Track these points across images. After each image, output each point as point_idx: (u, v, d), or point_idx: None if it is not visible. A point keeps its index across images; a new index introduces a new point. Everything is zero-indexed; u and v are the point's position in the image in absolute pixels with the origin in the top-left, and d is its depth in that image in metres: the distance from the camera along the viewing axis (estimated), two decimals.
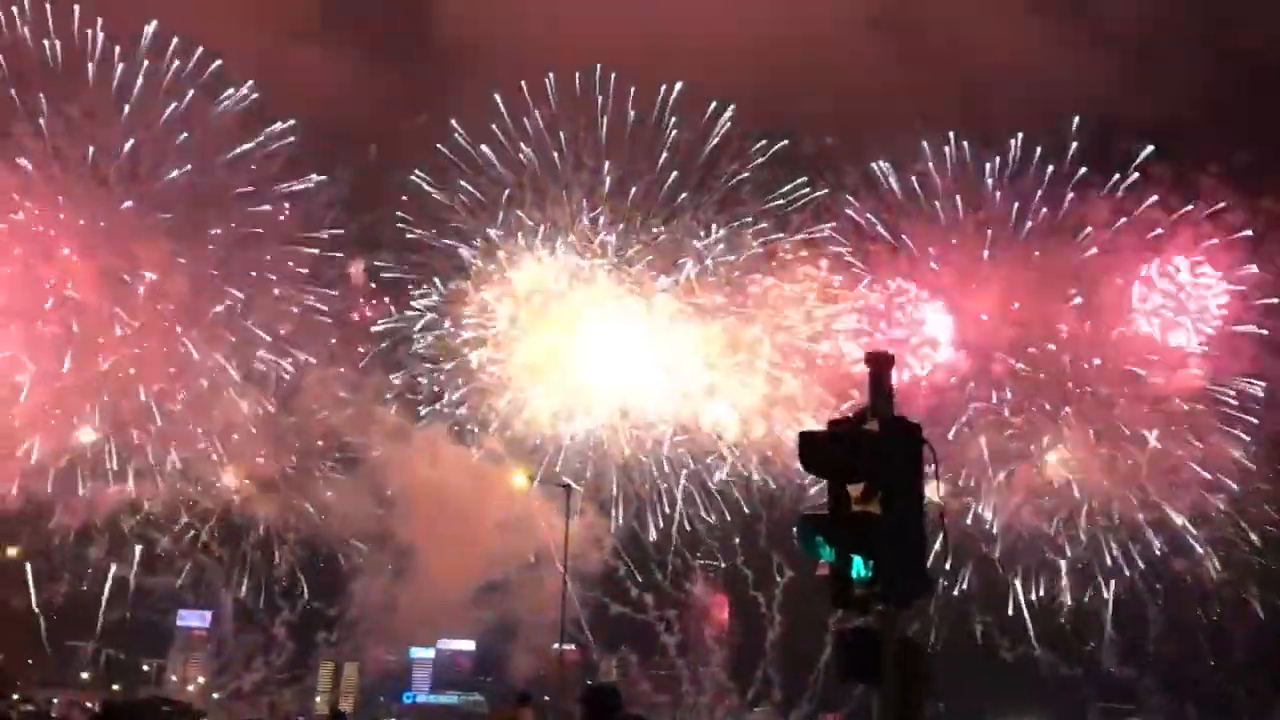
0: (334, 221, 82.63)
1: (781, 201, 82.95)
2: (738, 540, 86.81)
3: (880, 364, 16.47)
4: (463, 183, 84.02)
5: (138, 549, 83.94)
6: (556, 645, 69.37)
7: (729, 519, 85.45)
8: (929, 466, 16.09)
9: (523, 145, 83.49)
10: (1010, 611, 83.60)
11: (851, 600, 15.25)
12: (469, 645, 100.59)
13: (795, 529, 16.44)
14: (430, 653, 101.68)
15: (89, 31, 76.45)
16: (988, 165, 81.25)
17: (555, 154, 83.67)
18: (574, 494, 61.03)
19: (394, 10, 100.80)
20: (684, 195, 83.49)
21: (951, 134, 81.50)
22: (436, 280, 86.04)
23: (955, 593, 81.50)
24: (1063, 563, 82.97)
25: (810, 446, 15.98)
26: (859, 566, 15.08)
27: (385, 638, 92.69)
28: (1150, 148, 78.91)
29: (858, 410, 16.40)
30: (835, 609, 15.76)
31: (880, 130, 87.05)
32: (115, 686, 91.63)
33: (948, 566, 76.62)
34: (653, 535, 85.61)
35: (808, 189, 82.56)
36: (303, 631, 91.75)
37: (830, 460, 15.73)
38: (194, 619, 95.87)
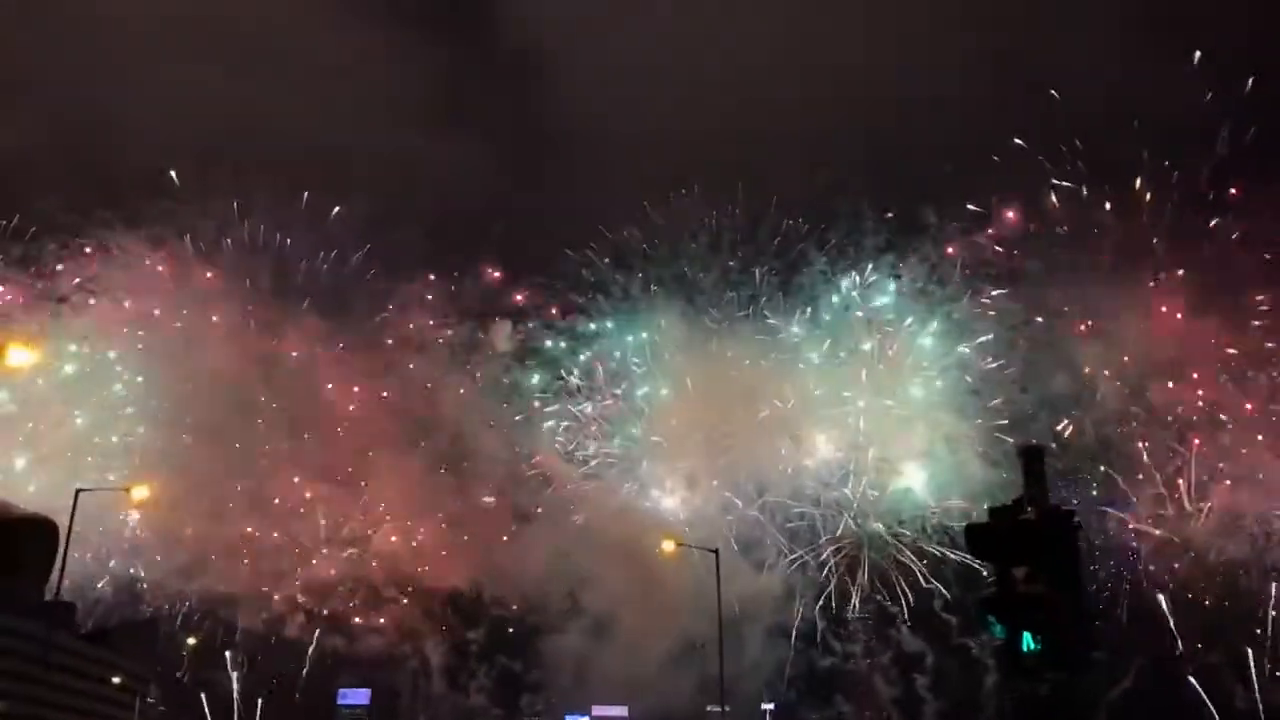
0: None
1: None
2: None
3: (1032, 456, 19.17)
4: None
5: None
6: (713, 707, 70.79)
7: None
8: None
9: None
10: None
11: (1021, 671, 17.86)
12: (622, 711, 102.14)
13: (977, 609, 18.87)
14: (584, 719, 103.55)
15: None
16: None
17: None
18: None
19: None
20: None
21: None
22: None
23: None
24: None
25: (976, 536, 18.72)
26: (1028, 640, 17.69)
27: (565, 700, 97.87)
28: None
29: (1016, 499, 19.09)
30: (1008, 679, 18.41)
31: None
32: None
33: None
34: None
35: None
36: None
37: (994, 547, 18.43)
38: (355, 697, 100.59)
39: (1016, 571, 18.19)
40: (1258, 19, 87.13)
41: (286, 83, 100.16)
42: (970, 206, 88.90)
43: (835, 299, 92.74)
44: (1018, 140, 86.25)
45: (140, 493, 62.53)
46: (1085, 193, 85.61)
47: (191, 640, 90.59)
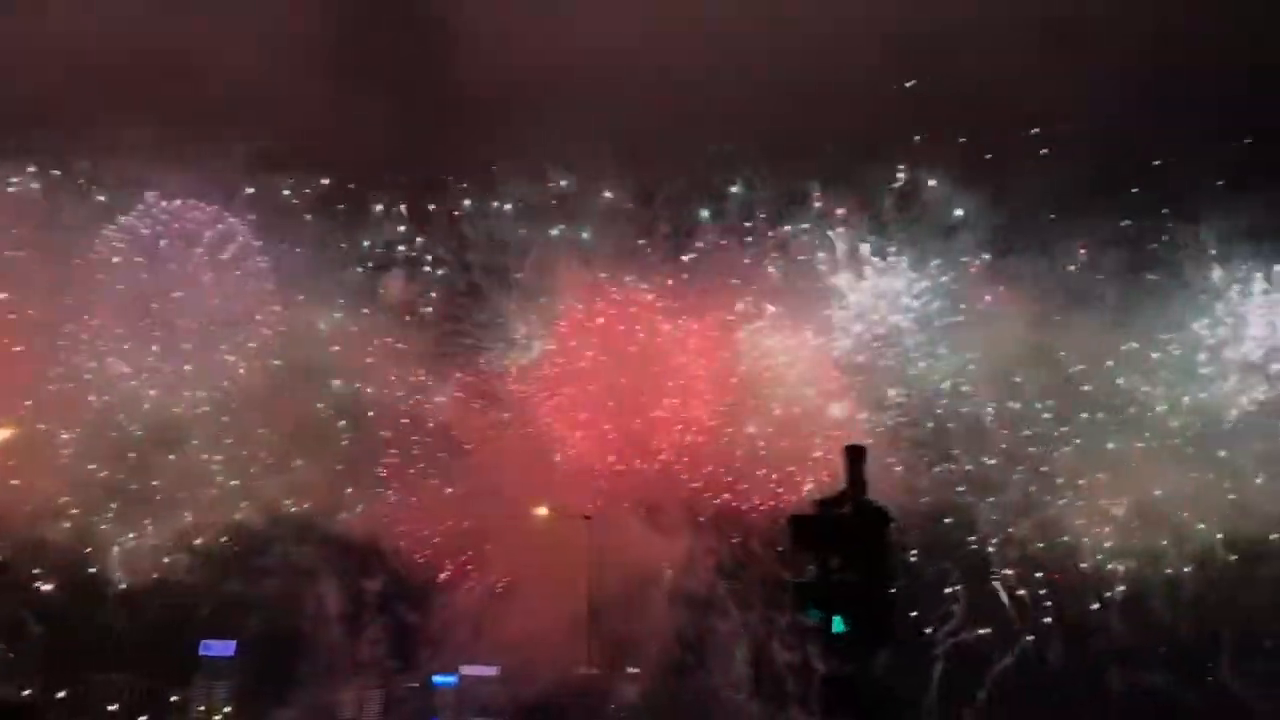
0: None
1: None
2: None
3: (855, 455, 21.18)
4: None
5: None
6: (581, 668, 73.18)
7: None
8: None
9: None
10: None
11: (832, 652, 19.97)
12: (491, 671, 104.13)
13: (789, 593, 20.95)
14: (453, 679, 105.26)
15: None
16: None
17: None
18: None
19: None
20: None
21: None
22: None
23: None
24: None
25: (798, 526, 20.73)
26: (838, 624, 19.79)
27: (410, 665, 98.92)
28: None
29: (839, 493, 21.11)
30: (821, 658, 20.53)
31: None
32: (142, 718, 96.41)
33: None
34: None
35: None
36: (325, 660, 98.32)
37: (813, 538, 20.46)
38: (218, 648, 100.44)
39: (832, 561, 20.22)
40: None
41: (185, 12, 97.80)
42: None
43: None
44: None
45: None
46: None
47: (48, 587, 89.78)
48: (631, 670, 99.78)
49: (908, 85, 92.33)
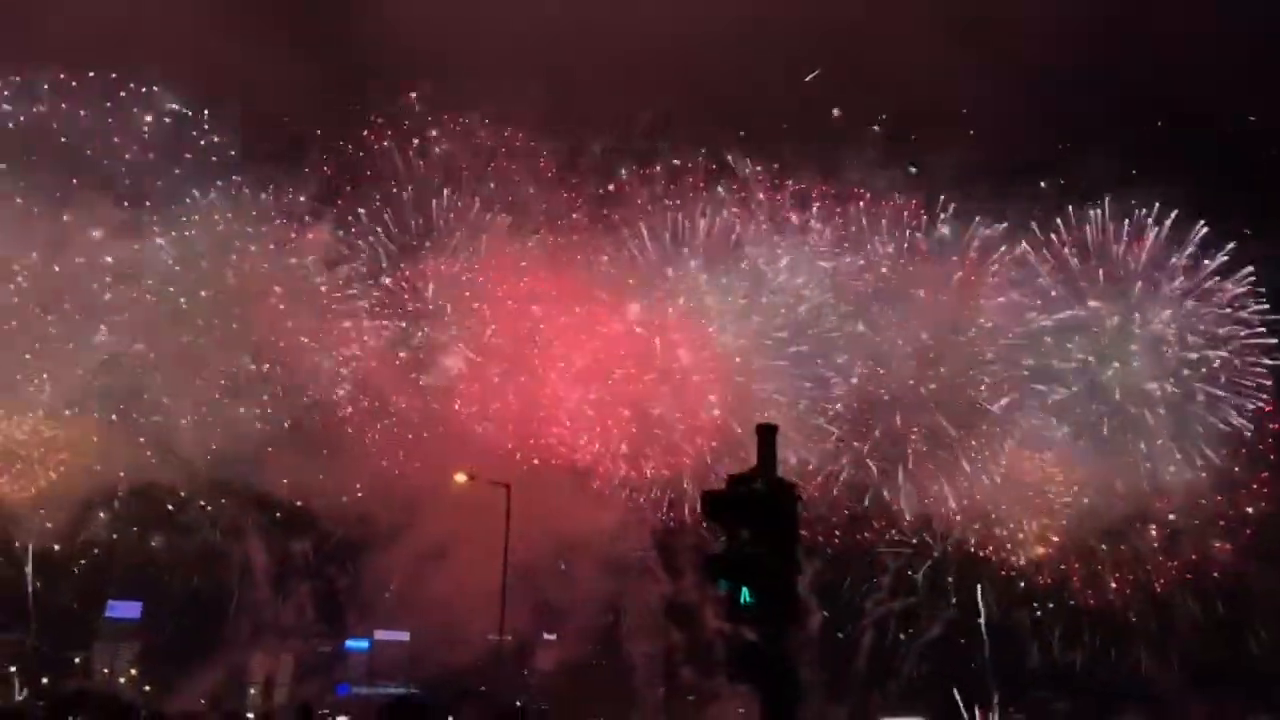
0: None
1: None
2: None
3: (766, 434, 22.14)
4: None
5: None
6: (493, 635, 73.74)
7: None
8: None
9: None
10: None
11: (740, 620, 20.96)
12: (403, 636, 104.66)
13: (702, 565, 21.91)
14: (365, 644, 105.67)
15: None
16: None
17: None
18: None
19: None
20: None
21: None
22: None
23: None
24: None
25: (711, 501, 21.65)
26: (745, 594, 20.78)
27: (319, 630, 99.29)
28: None
29: (750, 470, 22.06)
30: (728, 626, 21.53)
31: None
32: (43, 680, 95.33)
33: None
34: None
35: None
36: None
37: (725, 512, 21.39)
38: (124, 610, 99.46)
39: (742, 534, 21.20)
40: None
41: None
42: None
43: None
44: None
45: None
46: None
47: None
48: (548, 637, 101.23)
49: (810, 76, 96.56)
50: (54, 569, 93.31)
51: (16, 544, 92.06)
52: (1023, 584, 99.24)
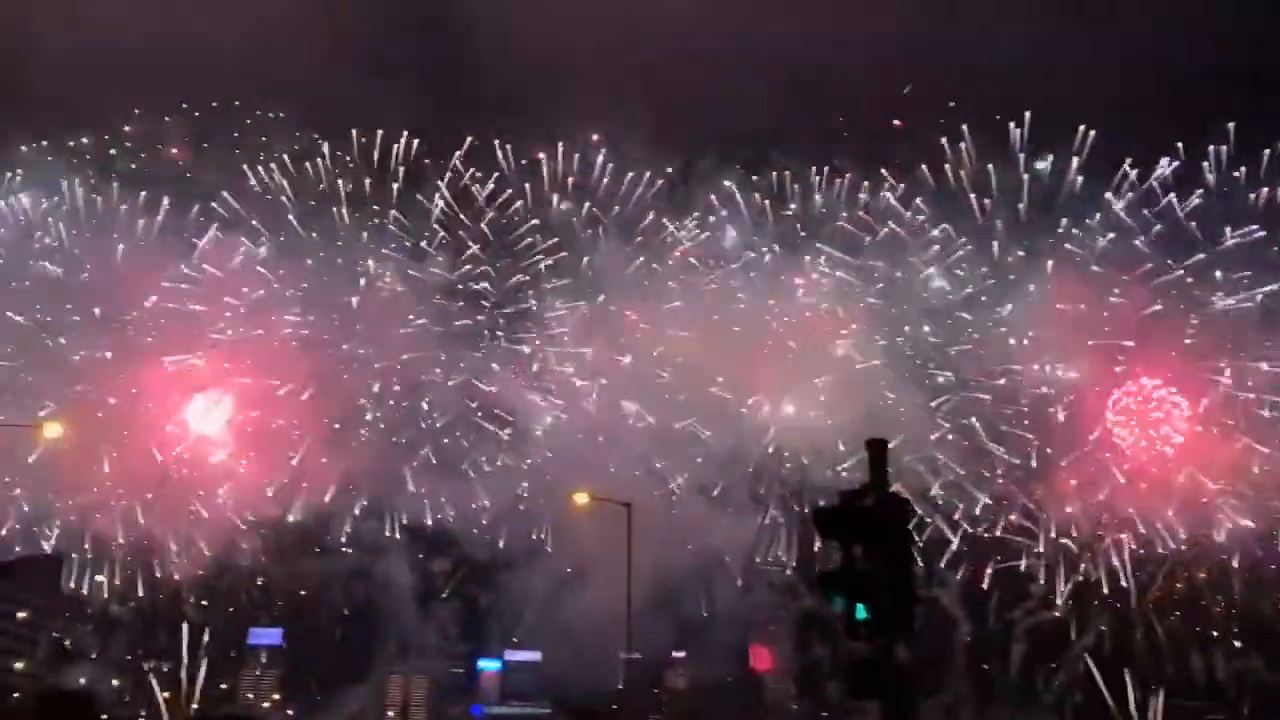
0: None
1: None
2: None
3: (877, 449, 22.28)
4: None
5: None
6: (624, 654, 74.23)
7: None
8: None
9: None
10: None
11: (857, 636, 21.09)
12: (535, 656, 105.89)
13: (818, 583, 22.12)
14: (497, 664, 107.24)
15: None
16: None
17: None
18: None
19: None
20: None
21: None
22: None
23: None
24: None
25: (823, 517, 21.83)
26: (861, 610, 20.93)
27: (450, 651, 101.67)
28: None
29: (862, 485, 22.21)
30: (846, 642, 21.70)
31: None
32: (193, 706, 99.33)
33: None
34: None
35: None
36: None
37: (839, 529, 21.55)
38: (266, 637, 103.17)
39: (855, 550, 21.37)
40: None
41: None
42: None
43: None
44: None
45: (53, 430, 63.60)
46: None
47: (101, 578, 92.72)
48: (678, 654, 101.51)
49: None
50: (207, 598, 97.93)
51: (159, 574, 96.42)
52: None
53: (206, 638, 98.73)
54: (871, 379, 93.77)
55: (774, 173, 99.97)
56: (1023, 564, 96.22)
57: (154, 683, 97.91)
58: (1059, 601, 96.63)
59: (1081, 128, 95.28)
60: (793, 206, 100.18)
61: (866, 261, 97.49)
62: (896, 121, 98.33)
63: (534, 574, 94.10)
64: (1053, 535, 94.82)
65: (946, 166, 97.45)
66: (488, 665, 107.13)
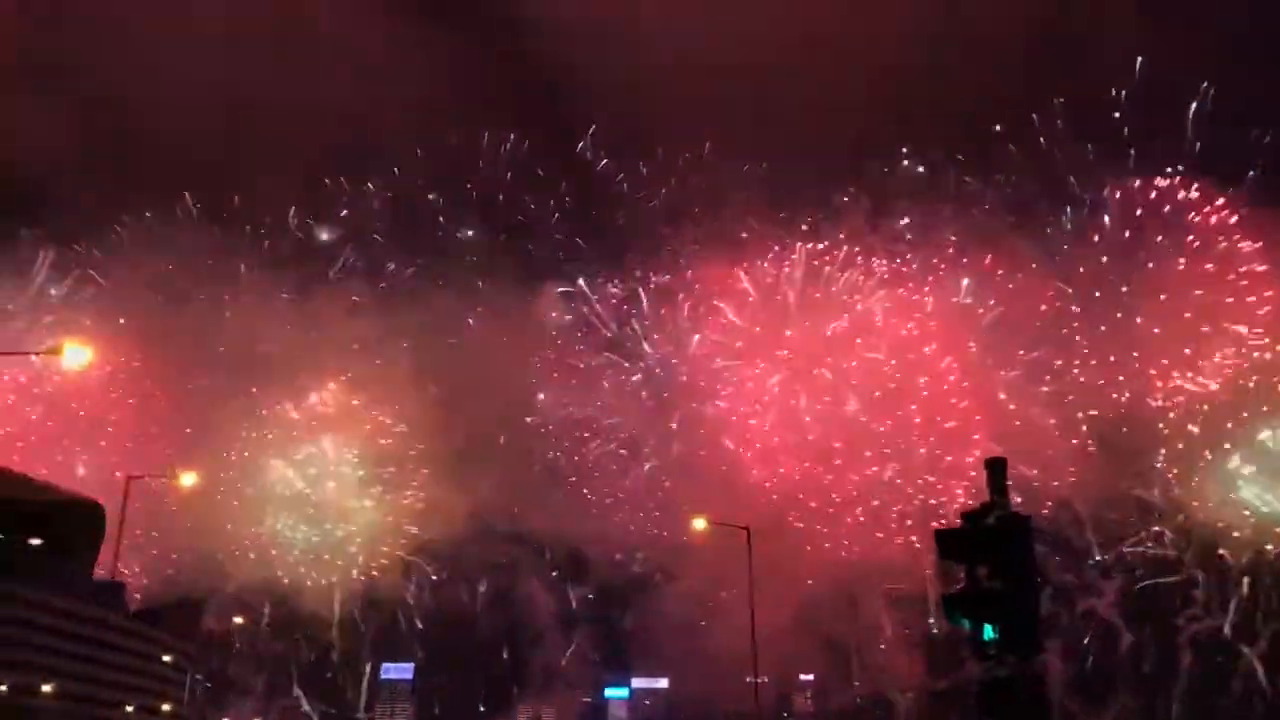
0: None
1: None
2: None
3: (996, 467, 22.39)
4: None
5: None
6: (750, 678, 74.15)
7: None
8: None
9: None
10: None
11: (985, 657, 21.18)
12: (662, 683, 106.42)
13: (941, 605, 22.27)
14: (625, 692, 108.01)
15: None
16: None
17: None
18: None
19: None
20: None
21: None
22: None
23: None
24: None
25: (945, 539, 22.00)
26: (988, 631, 21.05)
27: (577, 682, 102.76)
28: None
29: (983, 505, 22.34)
30: (976, 663, 21.80)
31: None
32: None
33: None
34: None
35: None
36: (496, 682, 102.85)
37: (961, 549, 21.71)
38: (397, 671, 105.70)
39: (979, 570, 21.52)
40: None
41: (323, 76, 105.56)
42: None
43: None
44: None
45: (189, 479, 67.00)
46: None
47: (239, 620, 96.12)
48: (805, 678, 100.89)
49: None
50: (341, 635, 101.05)
51: (294, 612, 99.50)
52: None
53: (340, 674, 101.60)
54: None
55: None
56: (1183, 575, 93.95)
57: None
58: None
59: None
60: None
61: None
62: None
63: (664, 601, 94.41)
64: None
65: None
66: (616, 693, 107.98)
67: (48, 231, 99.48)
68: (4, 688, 68.25)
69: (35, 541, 76.29)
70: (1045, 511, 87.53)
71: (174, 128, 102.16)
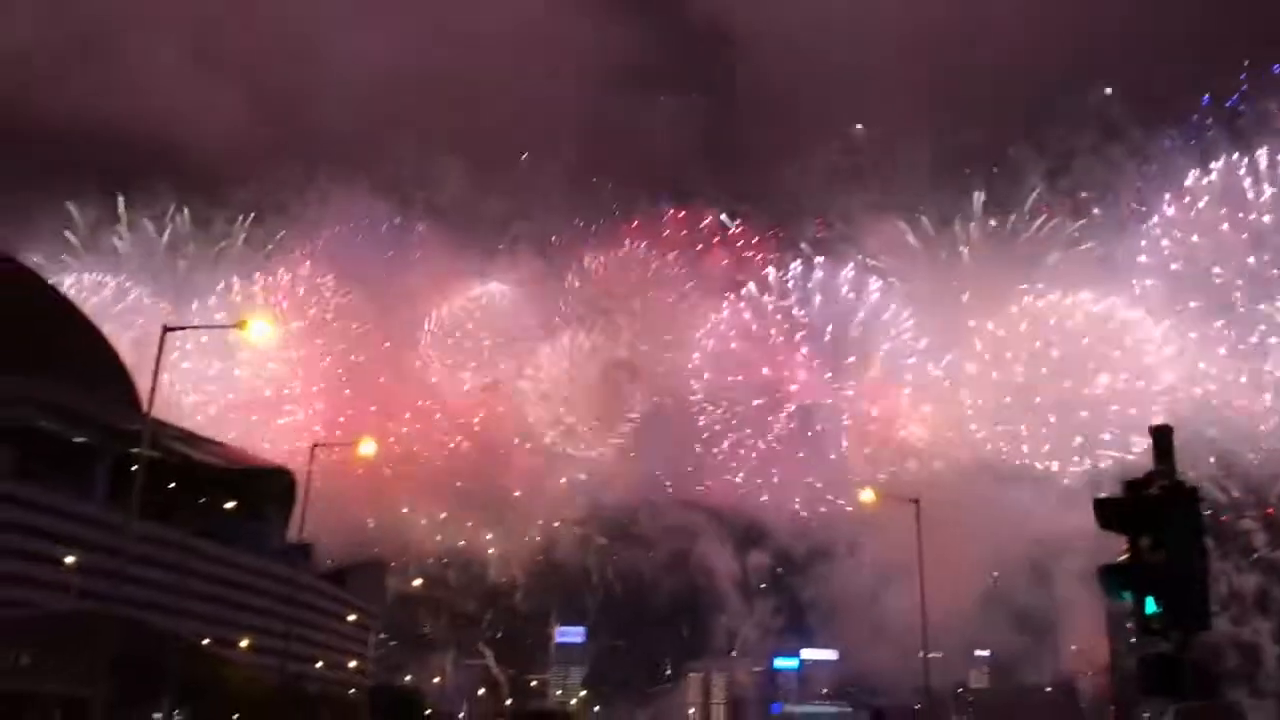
0: None
1: None
2: None
3: (1162, 434, 21.54)
4: None
5: None
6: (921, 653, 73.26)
7: None
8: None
9: None
10: None
11: (1149, 631, 20.48)
12: (832, 655, 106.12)
13: (1098, 577, 21.64)
14: (795, 663, 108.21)
15: None
16: None
17: None
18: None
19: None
20: None
21: None
22: None
23: None
24: None
25: (1105, 508, 21.30)
26: (1150, 605, 20.33)
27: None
28: None
29: (1147, 474, 21.55)
30: (1139, 638, 21.11)
31: None
32: (507, 701, 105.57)
33: None
34: None
35: None
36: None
37: (1123, 520, 20.97)
38: (571, 634, 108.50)
39: (1142, 542, 20.80)
40: None
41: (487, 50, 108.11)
42: None
43: None
44: None
45: (368, 448, 70.00)
46: None
47: (418, 582, 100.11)
48: (981, 653, 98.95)
49: None
50: (519, 598, 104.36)
51: (472, 577, 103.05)
52: None
53: (517, 636, 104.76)
54: None
55: None
56: None
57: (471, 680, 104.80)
58: None
59: None
60: None
61: None
62: None
63: (841, 573, 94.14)
64: None
65: None
66: (785, 663, 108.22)
67: (234, 212, 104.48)
68: (207, 640, 72.68)
69: (229, 505, 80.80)
70: None
71: (345, 112, 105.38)
